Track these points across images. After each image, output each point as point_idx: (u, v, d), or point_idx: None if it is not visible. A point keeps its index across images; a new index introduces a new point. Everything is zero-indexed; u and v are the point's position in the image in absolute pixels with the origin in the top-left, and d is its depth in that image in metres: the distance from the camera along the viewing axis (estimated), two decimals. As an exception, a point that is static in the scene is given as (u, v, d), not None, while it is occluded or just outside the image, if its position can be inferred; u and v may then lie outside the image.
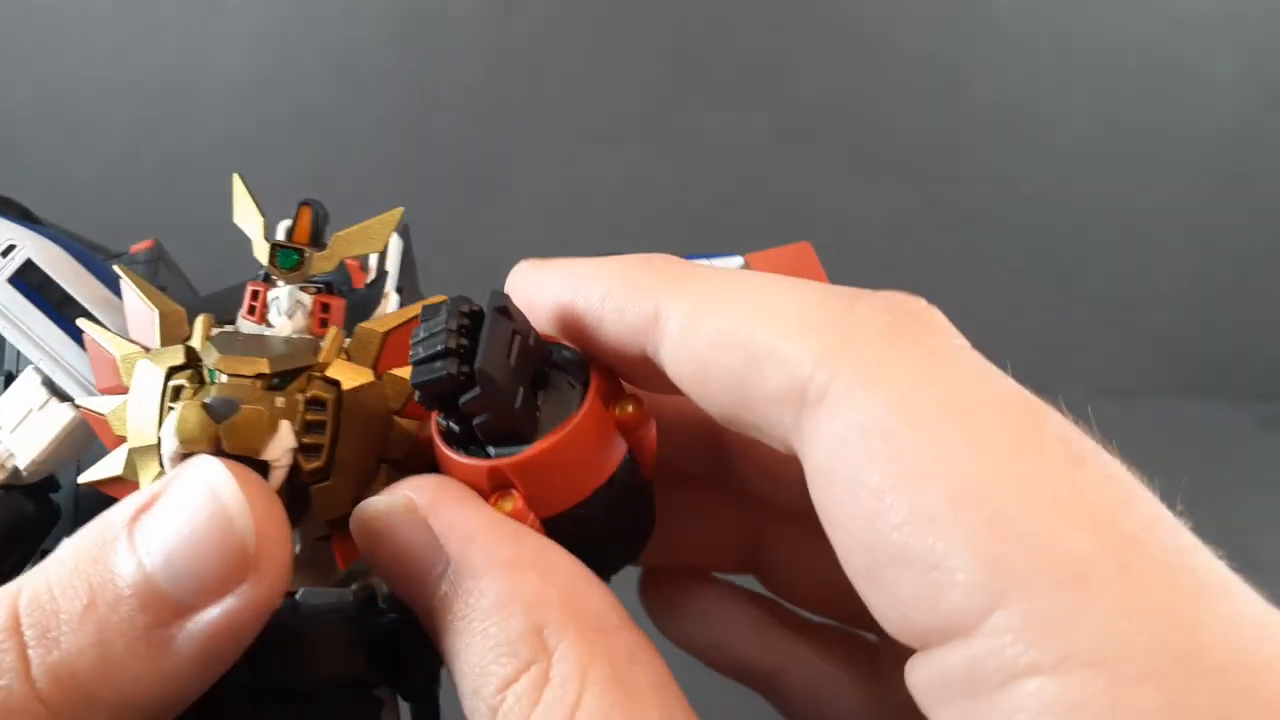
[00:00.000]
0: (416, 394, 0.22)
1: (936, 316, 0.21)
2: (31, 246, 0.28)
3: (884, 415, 0.18)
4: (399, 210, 0.27)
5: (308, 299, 0.26)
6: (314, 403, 0.23)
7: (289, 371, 0.23)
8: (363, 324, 0.26)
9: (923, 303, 0.21)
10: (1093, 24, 0.96)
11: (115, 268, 0.27)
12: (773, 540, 0.30)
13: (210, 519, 0.20)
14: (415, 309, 0.26)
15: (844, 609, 0.29)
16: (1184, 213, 1.01)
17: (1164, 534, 0.16)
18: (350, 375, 0.24)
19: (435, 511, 0.21)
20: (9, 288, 0.27)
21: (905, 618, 0.17)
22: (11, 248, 0.27)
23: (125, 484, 0.25)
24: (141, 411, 0.24)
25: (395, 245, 0.35)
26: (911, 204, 0.98)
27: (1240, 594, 0.16)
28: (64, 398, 0.28)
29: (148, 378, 0.24)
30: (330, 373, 0.24)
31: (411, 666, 0.25)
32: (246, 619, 0.20)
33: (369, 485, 0.24)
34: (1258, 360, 1.03)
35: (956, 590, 0.16)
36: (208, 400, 0.22)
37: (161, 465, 0.23)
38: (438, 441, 0.23)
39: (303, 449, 0.23)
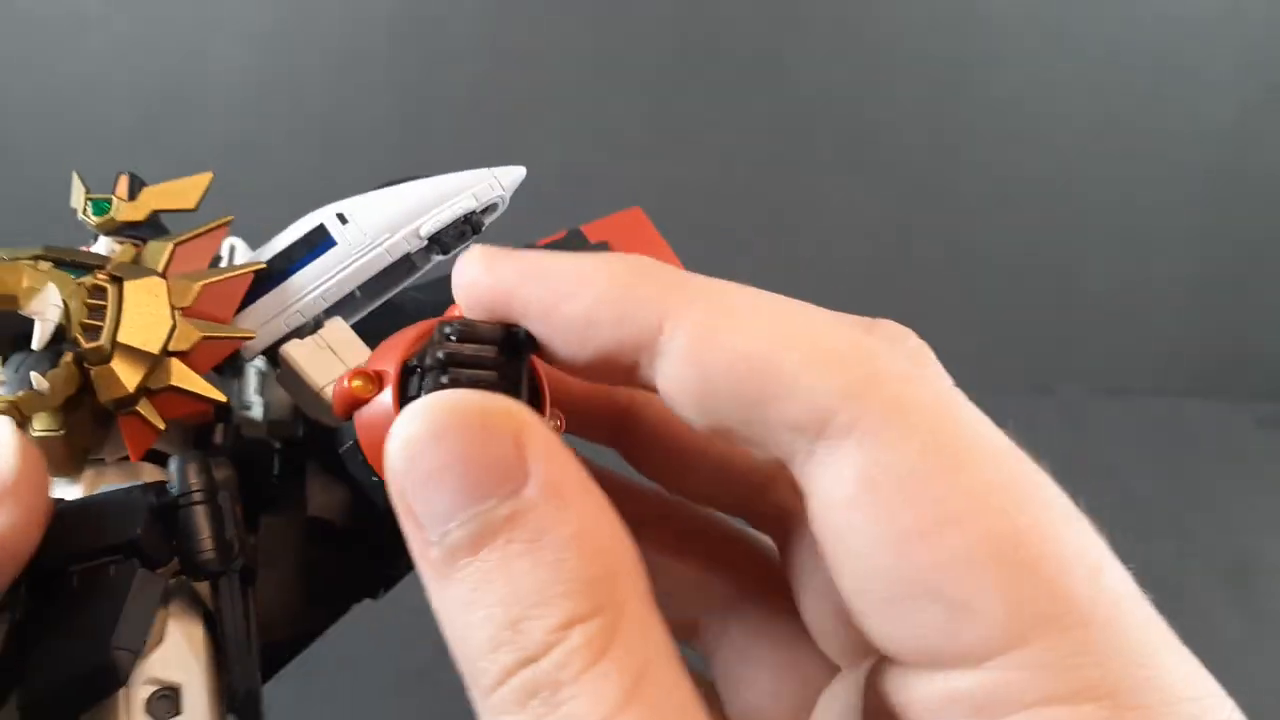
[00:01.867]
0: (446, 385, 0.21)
1: (930, 353, 0.22)
2: None
3: (917, 459, 0.19)
4: (209, 174, 0.31)
5: (120, 247, 0.30)
6: (95, 290, 0.27)
7: (70, 263, 0.28)
8: (155, 240, 0.30)
9: (914, 336, 0.22)
10: (1092, 24, 0.96)
11: None
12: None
13: None
14: (203, 227, 0.30)
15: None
16: (1184, 212, 1.01)
17: (1132, 585, 0.19)
18: (133, 273, 0.28)
19: (530, 431, 0.19)
20: None
21: (919, 643, 0.19)
22: None
23: None
24: None
25: (241, 253, 0.36)
26: (912, 203, 0.98)
27: (1176, 641, 0.19)
28: None
29: None
30: (114, 270, 0.28)
31: (185, 548, 0.27)
32: None
33: (154, 374, 0.27)
34: (1258, 360, 1.03)
35: (981, 628, 0.18)
36: None
37: None
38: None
39: (84, 330, 0.27)
